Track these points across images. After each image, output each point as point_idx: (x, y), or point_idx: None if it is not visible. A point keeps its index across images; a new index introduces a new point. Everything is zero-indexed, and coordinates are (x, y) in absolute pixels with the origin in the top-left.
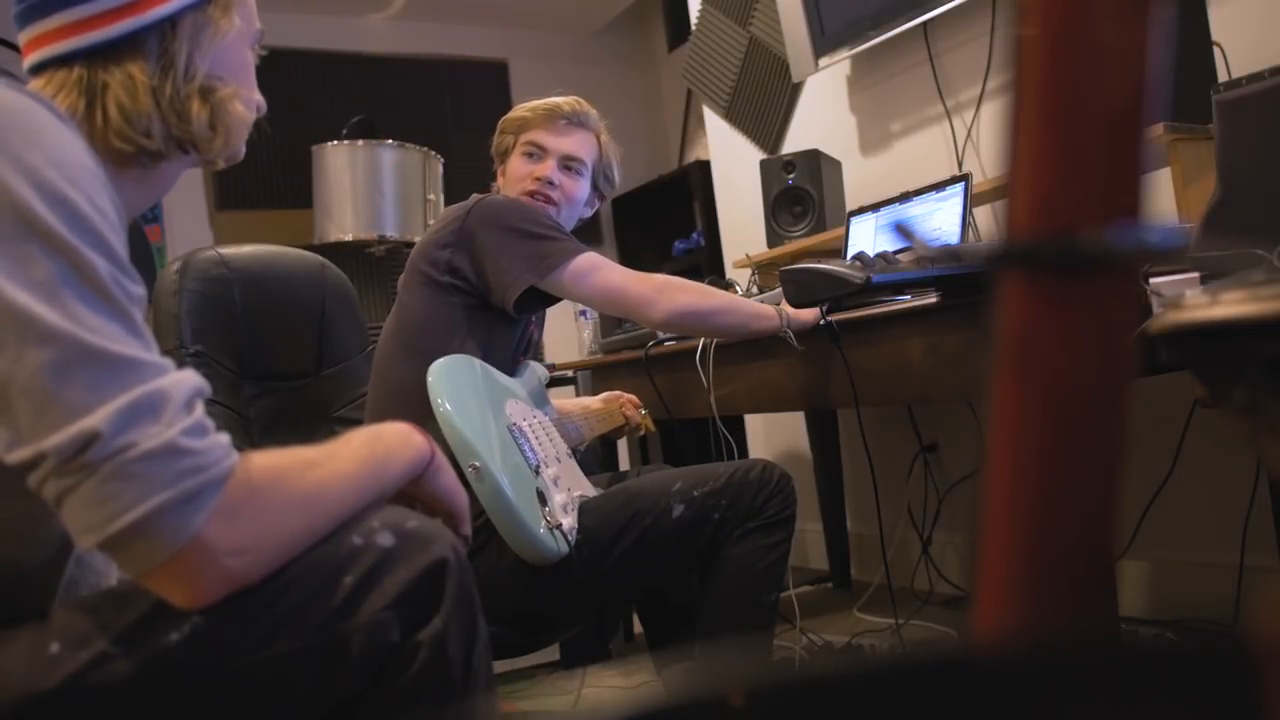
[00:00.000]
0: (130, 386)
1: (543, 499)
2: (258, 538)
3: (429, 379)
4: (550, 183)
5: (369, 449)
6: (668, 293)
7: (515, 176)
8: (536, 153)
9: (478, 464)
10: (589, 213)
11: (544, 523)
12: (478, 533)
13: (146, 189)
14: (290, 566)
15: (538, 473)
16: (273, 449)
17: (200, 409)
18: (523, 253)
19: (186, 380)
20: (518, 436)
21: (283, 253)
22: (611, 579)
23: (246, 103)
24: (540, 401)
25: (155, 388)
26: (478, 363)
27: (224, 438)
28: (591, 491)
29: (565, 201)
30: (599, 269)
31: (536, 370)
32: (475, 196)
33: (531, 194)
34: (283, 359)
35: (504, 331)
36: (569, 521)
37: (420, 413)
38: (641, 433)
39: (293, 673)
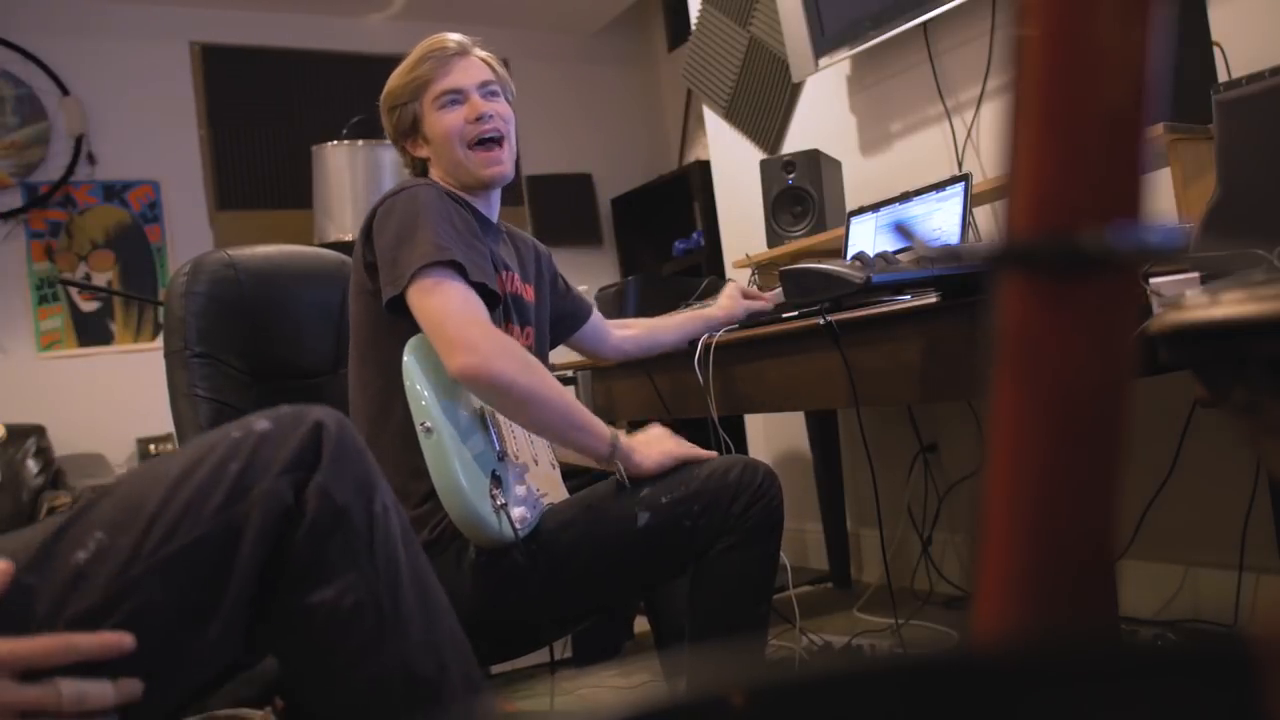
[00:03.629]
0: None
1: (499, 481)
2: None
3: (405, 349)
4: (489, 115)
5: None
6: (493, 355)
7: (446, 135)
8: (456, 98)
9: (429, 424)
10: None
11: (490, 500)
12: (441, 535)
13: None
14: (174, 470)
15: (501, 459)
16: None
17: None
18: (390, 260)
19: None
20: (489, 421)
21: (297, 252)
22: (575, 590)
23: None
24: None
25: None
26: None
27: None
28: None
29: (508, 126)
30: (435, 292)
31: None
32: (391, 194)
33: (479, 140)
34: (298, 358)
35: None
36: (522, 512)
37: (378, 424)
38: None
39: (200, 559)
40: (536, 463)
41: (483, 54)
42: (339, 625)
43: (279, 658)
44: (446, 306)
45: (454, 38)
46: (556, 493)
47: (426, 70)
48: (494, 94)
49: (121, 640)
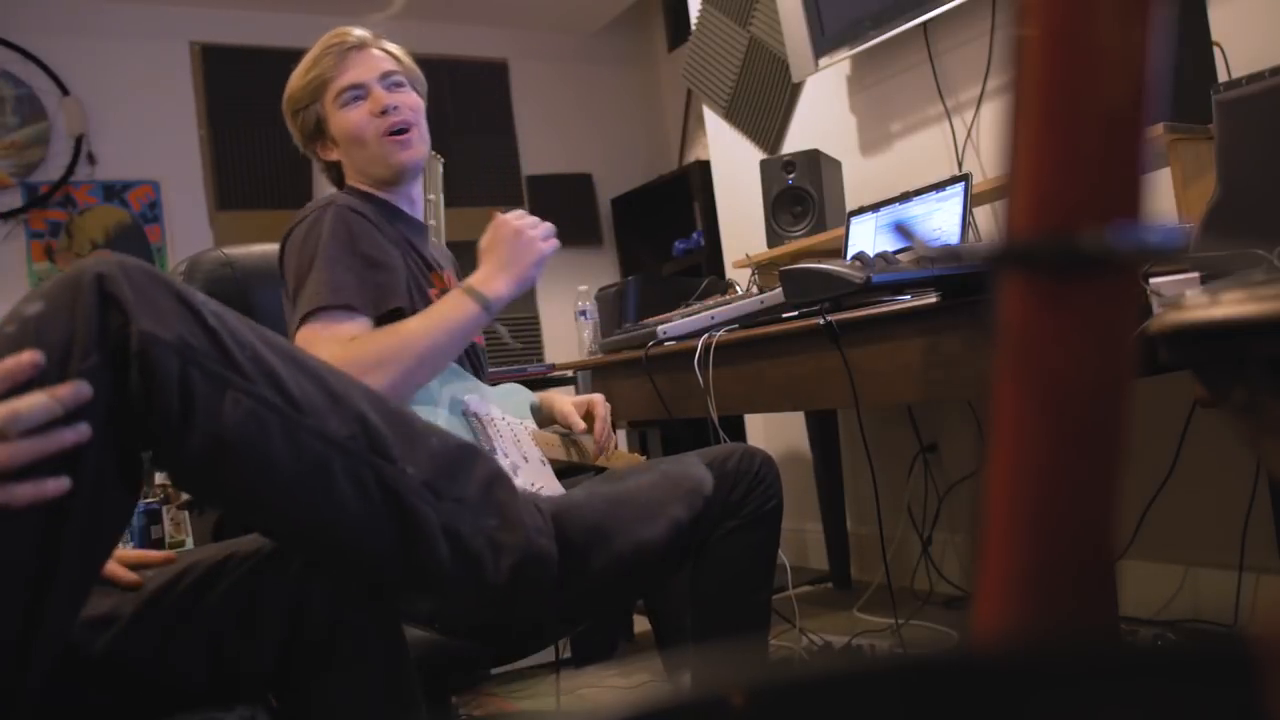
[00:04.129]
0: None
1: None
2: None
3: None
4: (394, 106)
5: None
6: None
7: (352, 132)
8: (359, 93)
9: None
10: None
11: None
12: None
13: None
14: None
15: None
16: None
17: None
18: (292, 295)
19: None
20: (470, 419)
21: None
22: (592, 594)
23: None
24: (519, 413)
25: None
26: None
27: None
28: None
29: (417, 115)
30: (313, 344)
31: (520, 392)
32: (297, 219)
33: (387, 131)
34: None
35: None
36: (536, 477)
37: None
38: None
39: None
40: (527, 460)
41: (387, 46)
42: (246, 440)
43: (207, 499)
44: (324, 354)
45: (354, 32)
46: (551, 486)
47: (324, 68)
48: (398, 85)
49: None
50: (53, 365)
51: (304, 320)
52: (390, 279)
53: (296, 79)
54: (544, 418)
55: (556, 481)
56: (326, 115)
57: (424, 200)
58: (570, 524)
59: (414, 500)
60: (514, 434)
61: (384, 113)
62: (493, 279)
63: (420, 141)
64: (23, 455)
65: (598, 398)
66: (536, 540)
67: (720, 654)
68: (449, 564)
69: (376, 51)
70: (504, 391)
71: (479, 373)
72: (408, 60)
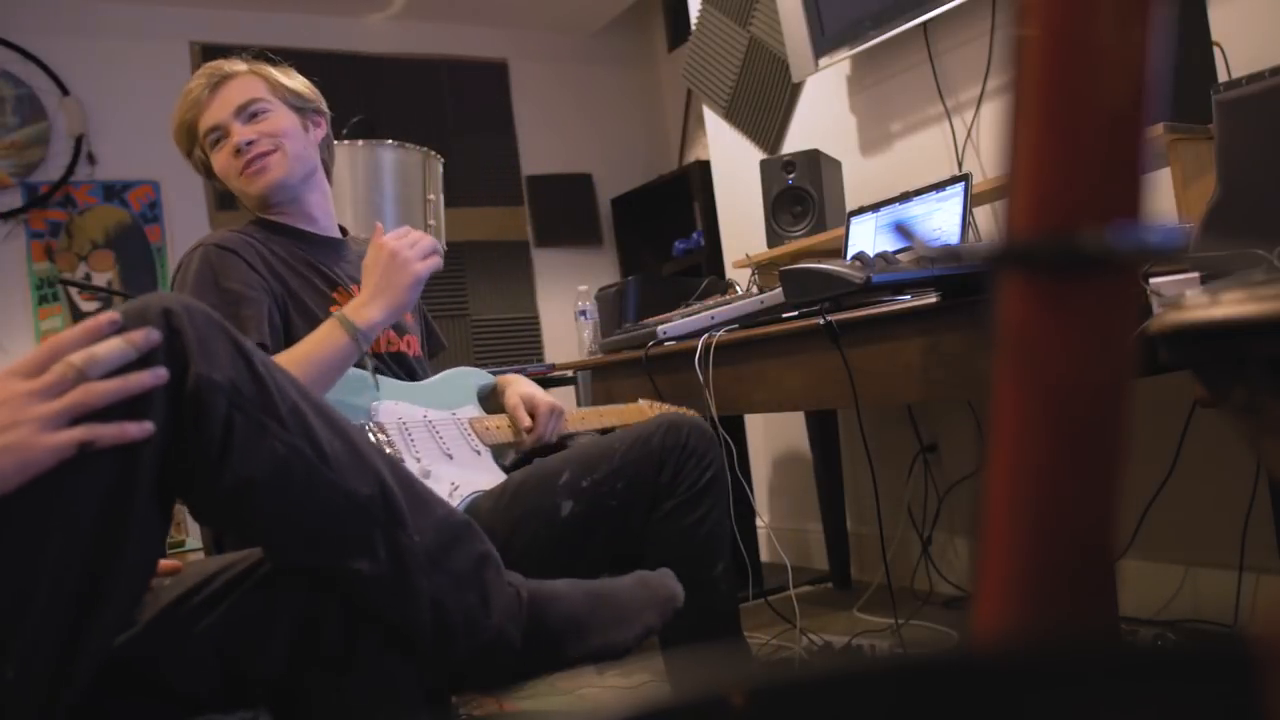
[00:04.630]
0: None
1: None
2: None
3: None
4: (248, 143)
5: None
6: None
7: (224, 174)
8: (219, 135)
9: None
10: (322, 134)
11: None
12: None
13: None
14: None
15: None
16: None
17: None
18: None
19: None
20: (373, 433)
21: None
22: None
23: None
24: (454, 403)
25: None
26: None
27: None
28: (491, 483)
29: (281, 139)
30: None
31: (466, 376)
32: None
33: (244, 171)
34: None
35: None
36: (458, 475)
37: None
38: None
39: (99, 477)
40: (452, 456)
41: (257, 70)
42: (275, 485)
43: (225, 530)
44: None
45: (214, 69)
46: (486, 477)
47: (187, 115)
48: (259, 114)
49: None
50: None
51: None
52: (253, 312)
53: (172, 127)
54: (496, 405)
55: (495, 469)
56: (208, 157)
57: (424, 200)
58: (550, 612)
59: (415, 568)
60: (436, 432)
61: (237, 152)
62: (366, 306)
63: (281, 163)
64: (104, 393)
65: (544, 404)
66: (507, 628)
67: (694, 650)
68: (427, 631)
69: (236, 83)
70: (443, 381)
71: (414, 376)
72: (275, 78)
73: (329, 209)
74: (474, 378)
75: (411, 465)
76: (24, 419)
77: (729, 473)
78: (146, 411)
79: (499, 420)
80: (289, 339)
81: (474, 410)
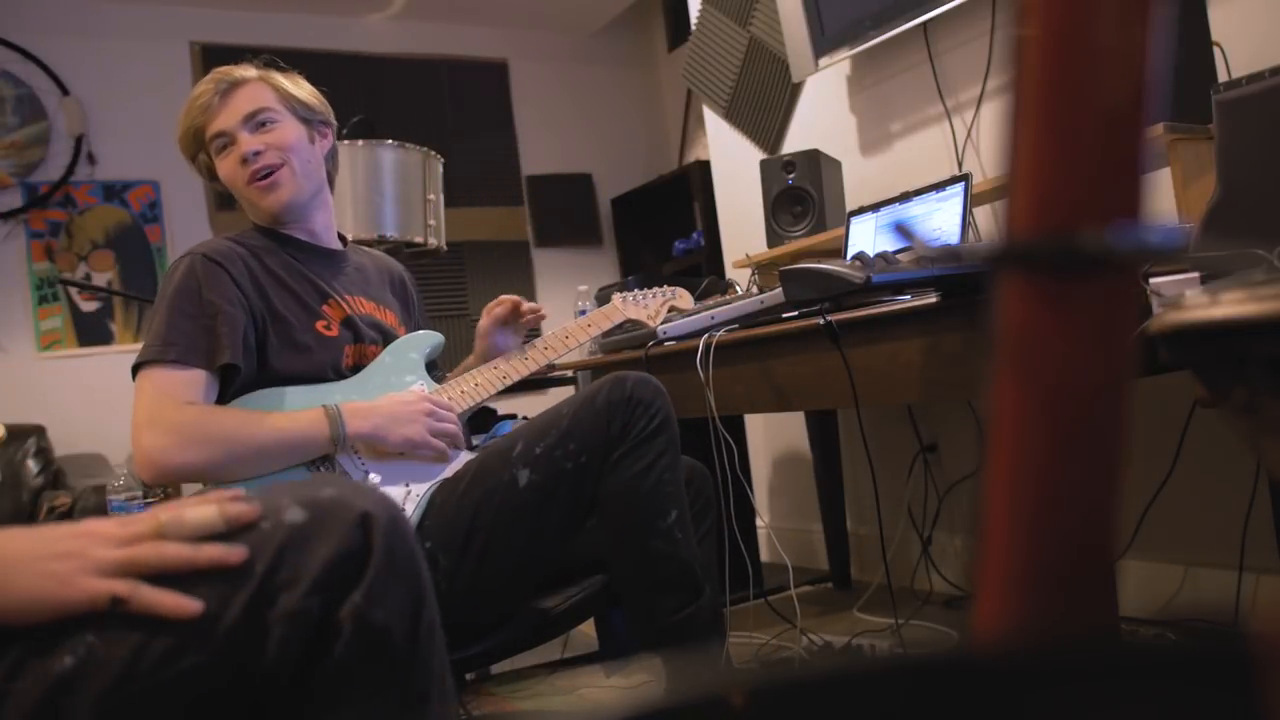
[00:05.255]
0: None
1: None
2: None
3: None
4: (255, 153)
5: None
6: (166, 454)
7: (230, 181)
8: (225, 142)
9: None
10: (328, 145)
11: None
12: None
13: None
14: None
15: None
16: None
17: None
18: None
19: None
20: (314, 469)
21: None
22: (490, 577)
23: None
24: (398, 386)
25: None
26: (268, 392)
27: None
28: (443, 474)
29: (286, 152)
30: (139, 392)
31: (408, 347)
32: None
33: (251, 181)
34: None
35: (275, 374)
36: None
37: None
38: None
39: (206, 684)
40: (402, 453)
41: (267, 77)
42: None
43: None
44: (138, 414)
45: (223, 74)
46: (432, 473)
47: (194, 119)
48: (267, 122)
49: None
50: (279, 579)
51: (137, 368)
52: (229, 329)
53: (177, 129)
54: (481, 351)
55: (459, 451)
56: (213, 161)
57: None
58: None
59: None
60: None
61: (243, 161)
62: (363, 417)
63: (291, 180)
64: (166, 555)
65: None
66: None
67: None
68: None
69: (246, 90)
70: (389, 361)
71: (389, 341)
72: (286, 87)
73: (330, 222)
74: (419, 347)
75: (354, 476)
76: (81, 555)
77: (731, 474)
78: (263, 616)
79: (454, 387)
80: (263, 359)
81: (420, 387)
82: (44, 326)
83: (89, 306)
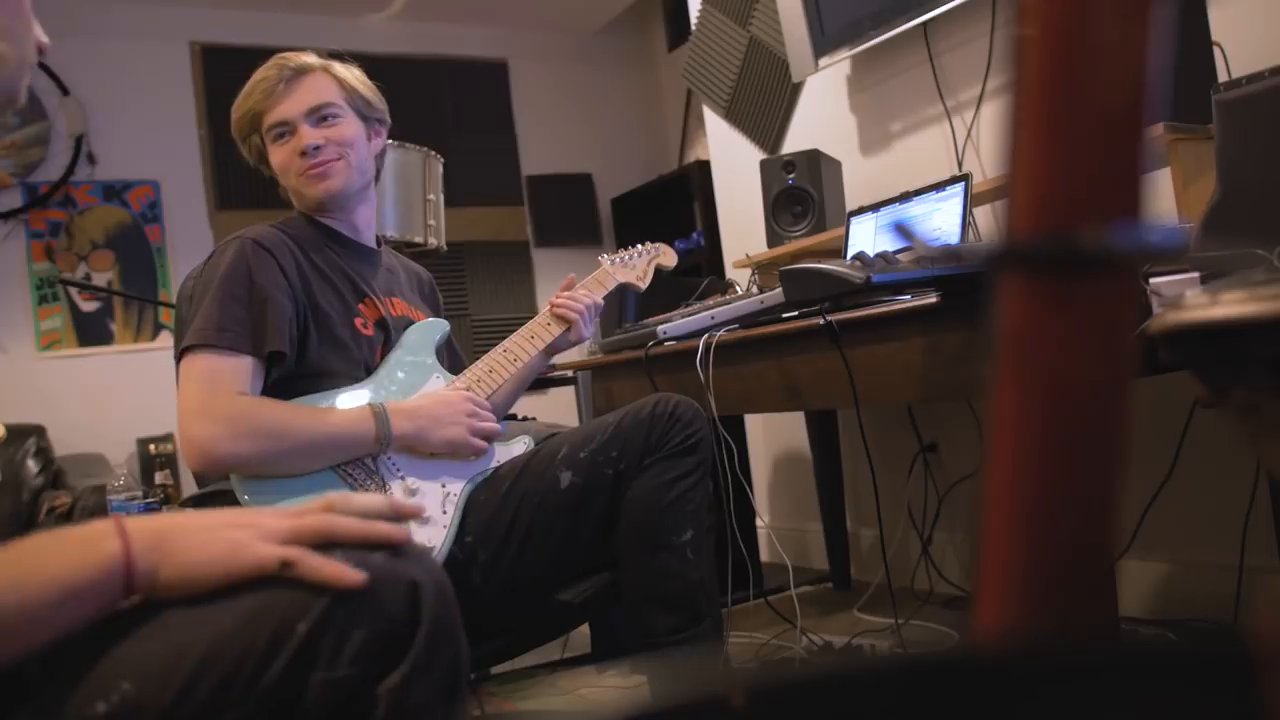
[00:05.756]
0: None
1: None
2: None
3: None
4: (316, 147)
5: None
6: (214, 443)
7: (280, 166)
8: (284, 131)
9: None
10: (380, 143)
11: None
12: None
13: None
14: (230, 614)
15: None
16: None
17: None
18: (189, 316)
19: None
20: (338, 483)
21: None
22: (524, 573)
23: (8, 36)
24: (418, 382)
25: None
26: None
27: None
28: (486, 468)
29: (346, 148)
30: (185, 378)
31: (421, 345)
32: (211, 251)
33: (306, 171)
34: None
35: (311, 365)
36: (430, 535)
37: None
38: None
39: None
40: (431, 454)
41: (331, 70)
42: None
43: None
44: (185, 400)
45: (291, 60)
46: (468, 470)
47: (255, 101)
48: (329, 117)
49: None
50: (321, 643)
51: (188, 350)
52: (277, 317)
53: (235, 109)
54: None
55: (492, 447)
56: (265, 146)
57: (424, 200)
58: None
59: None
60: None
61: (303, 154)
62: (412, 418)
63: (344, 172)
64: (342, 529)
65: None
66: None
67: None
68: None
69: (312, 80)
70: (406, 358)
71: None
72: (353, 82)
73: (372, 220)
74: (430, 338)
75: (396, 491)
76: (254, 524)
77: (731, 474)
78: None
79: (470, 374)
80: (301, 352)
81: (440, 381)
82: (44, 326)
83: (89, 306)
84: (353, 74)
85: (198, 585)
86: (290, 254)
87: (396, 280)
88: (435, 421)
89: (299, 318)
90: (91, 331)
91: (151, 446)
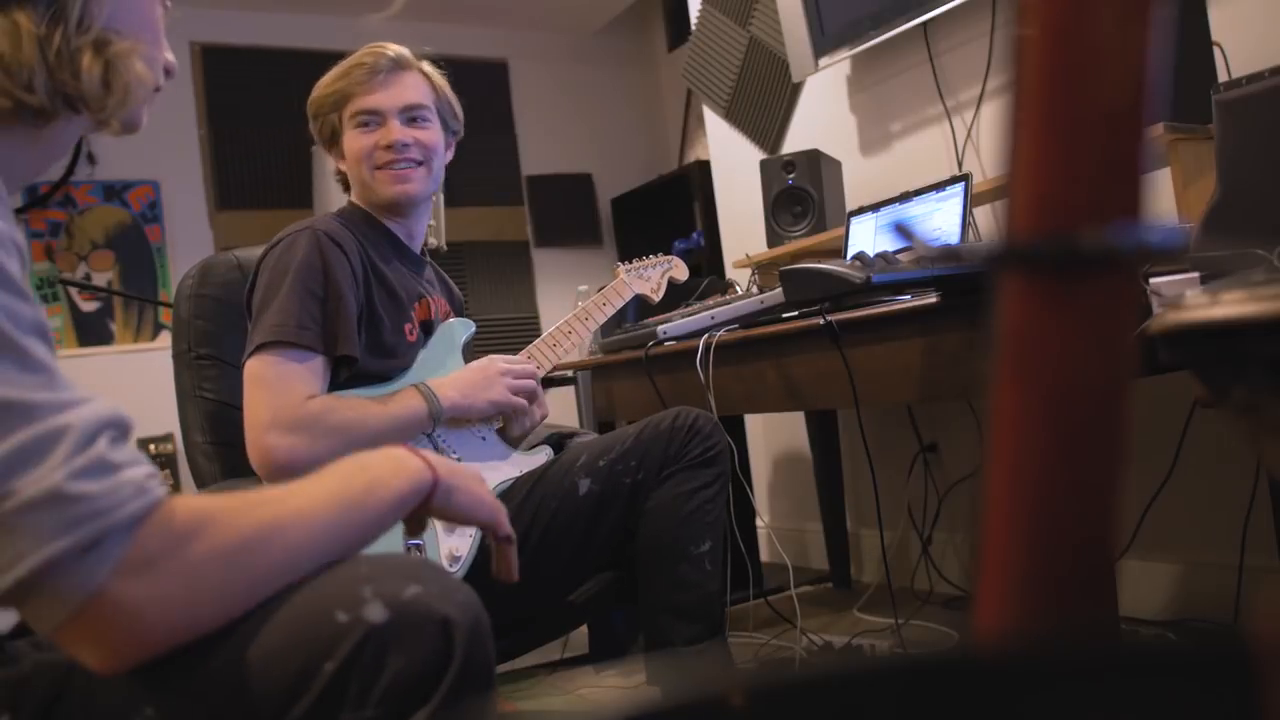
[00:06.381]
0: (13, 430)
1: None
2: (182, 592)
3: None
4: (404, 145)
5: (344, 482)
6: (279, 450)
7: (356, 154)
8: (372, 120)
9: None
10: (451, 156)
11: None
12: None
13: (32, 153)
14: (257, 647)
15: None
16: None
17: (105, 443)
18: (251, 323)
19: (90, 414)
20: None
21: None
22: (539, 575)
23: (149, 61)
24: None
25: (45, 428)
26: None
27: (138, 473)
28: (515, 473)
29: (430, 153)
30: (253, 382)
31: (448, 343)
32: (276, 238)
33: (387, 167)
34: None
35: (367, 370)
36: (457, 543)
37: None
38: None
39: None
40: (456, 459)
41: (426, 71)
42: None
43: None
44: (257, 410)
45: (391, 51)
46: (505, 470)
47: (350, 83)
48: (420, 119)
49: None
50: (349, 683)
51: (262, 347)
52: (348, 317)
53: (322, 85)
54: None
55: (515, 459)
56: (341, 129)
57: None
58: None
59: None
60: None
61: (390, 147)
62: (453, 386)
63: (424, 179)
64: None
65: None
66: None
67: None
68: None
69: (410, 78)
70: (431, 358)
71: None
72: (444, 89)
73: (424, 230)
74: (458, 337)
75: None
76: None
77: (731, 474)
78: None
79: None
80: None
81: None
82: None
83: (89, 306)
84: (445, 82)
85: (461, 520)
86: (357, 252)
87: (434, 291)
88: (473, 386)
89: (359, 319)
90: (91, 331)
91: (152, 447)
